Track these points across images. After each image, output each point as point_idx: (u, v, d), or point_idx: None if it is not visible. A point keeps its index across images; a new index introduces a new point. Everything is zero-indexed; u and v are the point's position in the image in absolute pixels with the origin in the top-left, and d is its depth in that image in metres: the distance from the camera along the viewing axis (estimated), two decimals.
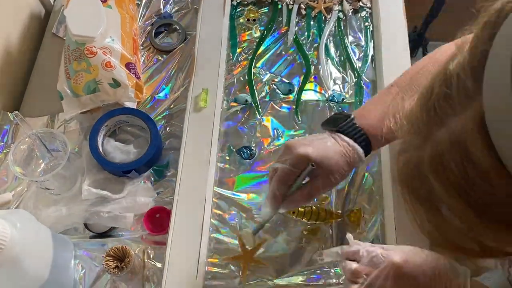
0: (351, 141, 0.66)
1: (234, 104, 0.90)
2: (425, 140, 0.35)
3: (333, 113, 0.71)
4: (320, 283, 0.74)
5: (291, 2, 1.00)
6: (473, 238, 0.36)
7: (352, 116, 0.68)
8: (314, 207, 0.78)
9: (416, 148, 0.37)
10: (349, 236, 0.64)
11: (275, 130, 0.88)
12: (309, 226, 0.78)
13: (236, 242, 0.78)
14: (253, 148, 0.85)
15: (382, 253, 0.59)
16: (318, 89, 0.91)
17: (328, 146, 0.66)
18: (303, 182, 0.67)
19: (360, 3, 0.99)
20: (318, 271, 0.75)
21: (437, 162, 0.34)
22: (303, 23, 0.99)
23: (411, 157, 0.38)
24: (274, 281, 0.75)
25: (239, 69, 0.94)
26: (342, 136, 0.67)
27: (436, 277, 0.57)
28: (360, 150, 0.66)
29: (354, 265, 0.60)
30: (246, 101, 0.89)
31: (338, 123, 0.68)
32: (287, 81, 0.92)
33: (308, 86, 0.92)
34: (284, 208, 0.69)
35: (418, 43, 1.54)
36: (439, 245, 0.42)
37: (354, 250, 0.61)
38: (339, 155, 0.65)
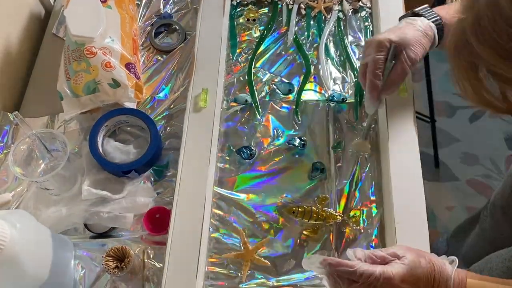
0: (424, 19, 0.75)
1: (234, 104, 0.90)
2: (469, 10, 0.47)
3: None
4: (320, 283, 0.74)
5: (291, 2, 1.00)
6: (500, 95, 0.48)
7: (427, 5, 0.76)
8: (314, 207, 0.78)
9: (461, 20, 0.48)
10: (349, 252, 0.62)
11: (275, 130, 0.88)
12: (309, 228, 0.78)
13: (236, 242, 0.78)
14: (253, 148, 0.85)
15: (379, 274, 0.58)
16: (318, 89, 0.91)
17: (403, 27, 0.75)
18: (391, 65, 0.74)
19: (360, 3, 0.99)
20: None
21: (476, 23, 0.46)
22: (303, 23, 0.99)
23: (457, 27, 0.49)
24: (274, 280, 0.75)
25: (239, 69, 0.94)
26: (416, 18, 0.75)
27: (429, 281, 0.59)
28: (432, 24, 0.74)
29: (351, 285, 0.59)
30: (246, 101, 0.89)
31: (414, 11, 0.77)
32: (287, 81, 0.92)
33: (308, 86, 0.92)
34: (385, 94, 0.76)
35: None
36: (473, 101, 0.51)
37: (348, 270, 0.59)
38: (414, 30, 0.74)
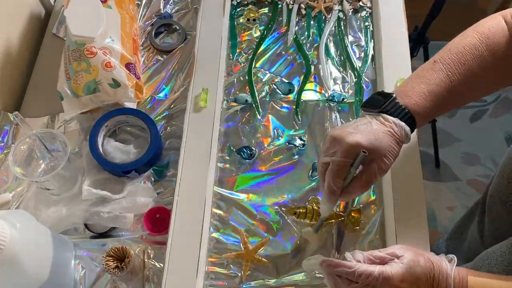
0: (396, 120, 0.65)
1: (234, 104, 0.90)
2: None
3: (372, 94, 0.71)
4: (320, 283, 0.74)
5: (291, 2, 1.00)
6: None
7: (394, 95, 0.67)
8: (315, 208, 0.78)
9: None
10: (347, 255, 0.62)
11: (275, 130, 0.88)
12: (309, 227, 0.78)
13: (236, 242, 0.78)
14: (253, 148, 0.85)
15: (378, 274, 0.58)
16: (318, 89, 0.91)
17: (375, 129, 0.65)
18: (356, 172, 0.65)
19: (360, 3, 0.99)
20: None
21: None
22: (303, 23, 0.99)
23: None
24: (274, 280, 0.75)
25: (239, 69, 0.94)
26: (387, 116, 0.66)
27: (429, 281, 0.59)
28: (407, 127, 0.65)
29: (350, 285, 0.59)
30: (246, 101, 0.89)
31: (380, 104, 0.67)
32: (287, 81, 0.92)
33: (308, 86, 0.92)
34: (344, 200, 0.71)
35: (419, 43, 1.54)
36: None
37: (347, 271, 0.59)
38: (388, 136, 0.65)
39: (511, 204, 0.85)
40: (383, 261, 0.61)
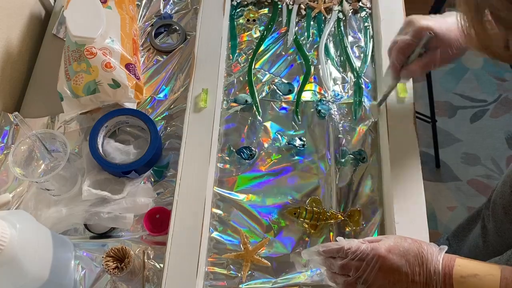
0: None
1: (234, 104, 0.90)
2: None
3: None
4: (320, 283, 0.74)
5: (291, 3, 1.00)
6: (502, 42, 0.48)
7: None
8: (315, 208, 0.78)
9: None
10: (339, 238, 0.65)
11: (275, 130, 0.88)
12: (310, 228, 0.78)
13: (236, 242, 0.78)
14: (253, 148, 0.85)
15: (367, 247, 0.61)
16: (318, 89, 0.91)
17: (448, 21, 0.70)
18: (421, 52, 0.71)
19: (360, 3, 0.99)
20: (318, 270, 0.75)
21: None
22: (303, 24, 0.99)
23: None
24: (274, 280, 0.75)
25: (239, 69, 0.94)
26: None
27: (418, 260, 0.60)
28: None
29: (342, 260, 0.62)
30: (246, 101, 0.89)
31: None
32: (286, 82, 0.92)
33: (308, 86, 0.91)
34: (403, 78, 0.75)
35: None
36: (476, 48, 0.51)
37: (337, 248, 0.62)
38: (458, 30, 0.67)
39: None
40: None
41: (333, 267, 0.63)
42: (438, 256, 0.60)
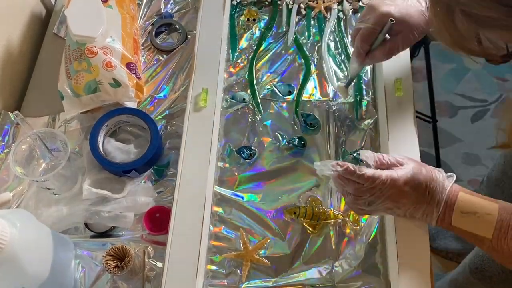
0: None
1: (232, 101, 0.89)
2: None
3: None
4: (320, 283, 0.74)
5: (291, 2, 1.00)
6: (475, 38, 0.49)
7: None
8: (315, 208, 0.78)
9: None
10: (362, 153, 0.68)
11: (275, 130, 0.88)
12: (309, 227, 0.78)
13: (237, 241, 0.78)
14: (253, 148, 0.85)
15: (386, 178, 0.63)
16: (318, 89, 0.91)
17: (410, 5, 0.71)
18: (383, 39, 0.73)
19: (360, 3, 0.99)
20: (318, 270, 0.75)
21: None
22: (303, 23, 0.99)
23: None
24: (274, 280, 0.75)
25: (239, 69, 0.94)
26: None
27: (427, 190, 0.64)
28: None
29: (357, 185, 0.64)
30: (244, 99, 0.89)
31: None
32: (286, 83, 0.92)
33: (308, 86, 0.91)
34: (368, 64, 0.78)
35: (420, 43, 1.53)
36: (452, 47, 0.52)
37: (358, 174, 0.63)
38: (419, 13, 0.71)
39: None
40: (389, 166, 0.66)
41: (345, 186, 0.65)
42: (444, 192, 0.64)
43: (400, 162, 0.66)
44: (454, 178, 0.66)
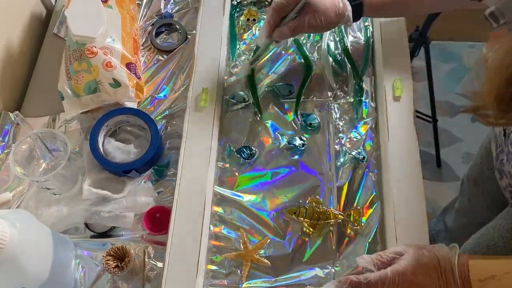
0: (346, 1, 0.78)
1: (232, 100, 0.90)
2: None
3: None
4: (320, 283, 0.74)
5: None
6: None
7: None
8: (315, 208, 0.78)
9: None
10: (359, 260, 0.63)
11: (275, 130, 0.88)
12: (309, 227, 0.78)
13: (237, 241, 0.78)
14: (253, 148, 0.85)
15: (393, 275, 0.60)
16: (318, 89, 0.91)
17: None
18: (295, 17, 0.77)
19: None
20: (318, 270, 0.75)
21: None
22: None
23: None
24: (274, 280, 0.75)
25: (239, 68, 0.94)
26: None
27: (438, 272, 0.60)
28: (349, 7, 0.79)
29: None
30: (244, 99, 0.89)
31: None
32: (286, 83, 0.92)
33: (308, 86, 0.91)
34: (274, 38, 0.80)
35: (420, 43, 1.54)
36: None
37: (365, 282, 0.60)
38: (331, 3, 0.78)
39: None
40: (391, 262, 0.62)
41: None
42: (453, 261, 0.60)
43: (398, 252, 0.63)
44: (458, 249, 0.62)
